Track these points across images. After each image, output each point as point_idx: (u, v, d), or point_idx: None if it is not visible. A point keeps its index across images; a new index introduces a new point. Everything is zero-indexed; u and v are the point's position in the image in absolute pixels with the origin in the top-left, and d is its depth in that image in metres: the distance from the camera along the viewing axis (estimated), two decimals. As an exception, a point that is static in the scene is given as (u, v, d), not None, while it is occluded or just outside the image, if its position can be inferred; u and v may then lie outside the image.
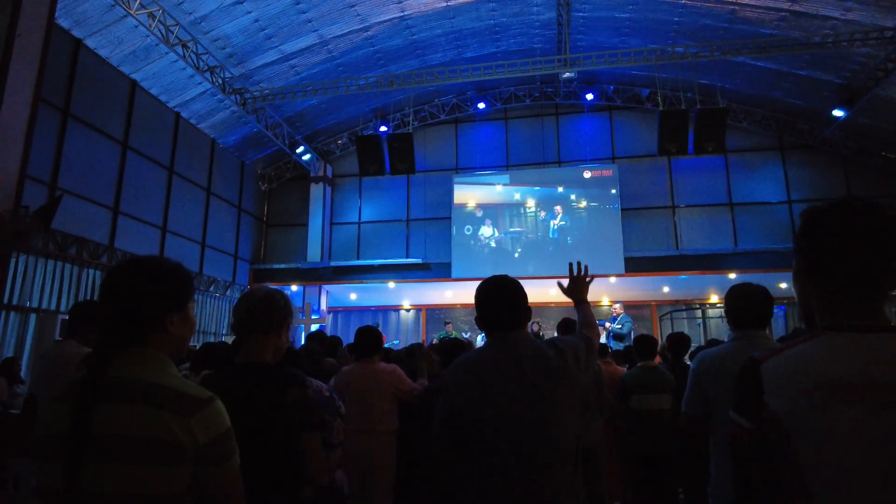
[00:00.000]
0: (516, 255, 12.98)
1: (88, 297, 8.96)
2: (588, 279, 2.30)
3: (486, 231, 13.14)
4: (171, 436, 1.09)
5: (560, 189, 13.11)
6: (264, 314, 1.84)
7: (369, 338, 3.61)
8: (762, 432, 0.98)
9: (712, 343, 4.58)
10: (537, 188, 13.26)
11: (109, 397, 1.12)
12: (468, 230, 13.26)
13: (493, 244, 13.07)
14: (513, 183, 13.46)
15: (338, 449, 2.44)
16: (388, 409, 3.45)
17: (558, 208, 13.00)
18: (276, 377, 1.76)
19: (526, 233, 13.08)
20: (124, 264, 1.28)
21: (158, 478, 1.08)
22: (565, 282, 2.36)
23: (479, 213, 13.24)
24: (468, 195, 13.48)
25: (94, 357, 1.18)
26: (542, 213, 13.05)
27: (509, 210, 13.24)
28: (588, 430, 3.73)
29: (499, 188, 13.44)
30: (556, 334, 3.76)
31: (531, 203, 13.17)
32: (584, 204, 12.99)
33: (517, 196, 13.28)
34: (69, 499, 1.06)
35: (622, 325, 9.46)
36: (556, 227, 12.95)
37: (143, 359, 1.19)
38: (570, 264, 2.35)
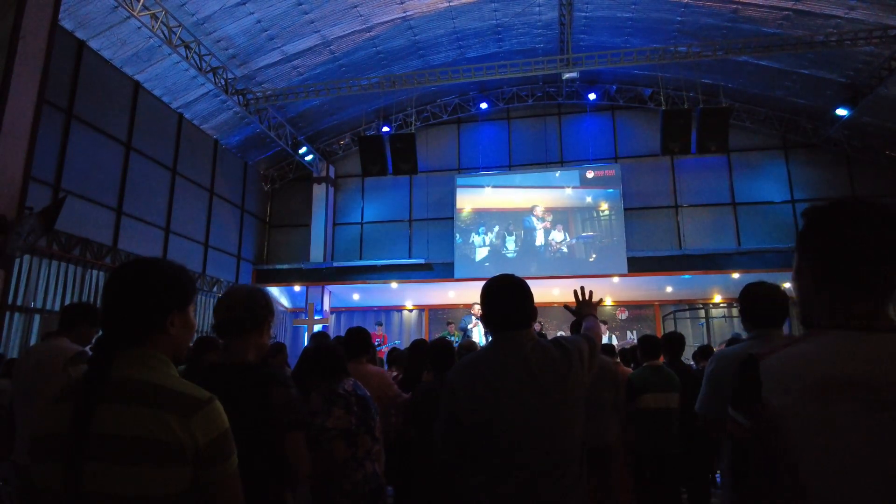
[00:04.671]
0: (511, 256, 12.99)
1: (92, 298, 8.98)
2: (597, 301, 2.31)
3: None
4: (171, 436, 1.09)
5: (568, 190, 13.09)
6: (245, 314, 1.81)
7: (358, 339, 3.53)
8: (760, 429, 0.97)
9: (734, 341, 4.51)
10: (542, 188, 13.24)
11: (111, 397, 1.12)
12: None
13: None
14: (516, 184, 13.46)
15: (378, 444, 2.56)
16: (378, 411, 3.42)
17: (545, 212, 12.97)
18: (259, 377, 1.73)
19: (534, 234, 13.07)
20: (127, 265, 1.28)
21: (159, 478, 1.08)
22: (573, 306, 2.39)
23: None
24: (468, 199, 13.48)
25: (96, 357, 1.18)
26: (548, 215, 13.03)
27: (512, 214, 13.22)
28: (604, 430, 3.69)
29: (491, 189, 13.43)
30: (560, 334, 3.75)
31: (538, 204, 13.13)
32: (586, 204, 12.97)
33: (521, 196, 13.27)
34: (69, 499, 1.06)
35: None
36: (559, 228, 12.94)
37: (143, 359, 1.19)
38: (575, 290, 2.36)
